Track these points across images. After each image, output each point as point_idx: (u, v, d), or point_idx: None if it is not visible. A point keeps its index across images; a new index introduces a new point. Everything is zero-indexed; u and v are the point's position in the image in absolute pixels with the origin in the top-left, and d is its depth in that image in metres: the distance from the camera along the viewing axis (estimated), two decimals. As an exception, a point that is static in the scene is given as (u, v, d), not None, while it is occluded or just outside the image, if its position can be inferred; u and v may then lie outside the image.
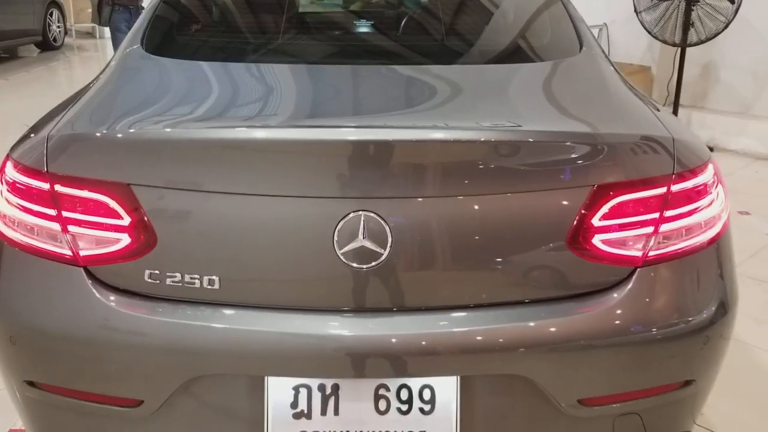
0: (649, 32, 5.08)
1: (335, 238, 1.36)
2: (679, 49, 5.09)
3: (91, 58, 9.95)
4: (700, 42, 4.92)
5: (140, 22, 2.03)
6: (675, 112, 5.25)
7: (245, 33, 2.14)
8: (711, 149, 5.22)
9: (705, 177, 1.52)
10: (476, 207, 1.40)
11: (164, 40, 1.97)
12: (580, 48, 1.91)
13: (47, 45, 9.69)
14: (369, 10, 2.40)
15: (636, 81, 5.65)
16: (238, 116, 1.59)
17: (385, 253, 1.37)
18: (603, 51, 1.97)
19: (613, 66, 1.90)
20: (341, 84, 1.78)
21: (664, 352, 1.47)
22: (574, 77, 1.82)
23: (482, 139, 1.40)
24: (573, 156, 1.42)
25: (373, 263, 1.37)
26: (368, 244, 1.36)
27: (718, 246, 1.55)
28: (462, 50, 2.07)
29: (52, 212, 1.43)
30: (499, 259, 1.41)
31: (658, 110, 1.71)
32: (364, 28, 2.22)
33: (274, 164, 1.38)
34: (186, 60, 1.87)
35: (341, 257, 1.37)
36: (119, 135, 1.45)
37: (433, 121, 1.53)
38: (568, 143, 1.43)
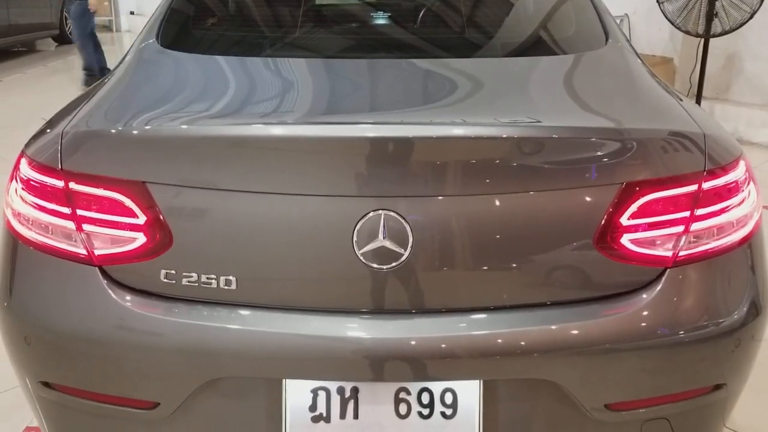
0: (672, 23, 4.98)
1: (354, 238, 1.33)
2: (702, 39, 4.98)
3: (108, 52, 9.92)
4: (724, 32, 4.81)
5: (156, 15, 2.00)
6: (698, 104, 5.14)
7: (261, 27, 2.10)
8: (734, 142, 5.15)
9: (737, 174, 1.47)
10: (500, 206, 1.35)
11: (180, 34, 1.94)
12: (606, 40, 1.85)
13: (64, 38, 9.73)
14: (386, 2, 2.35)
15: (658, 73, 5.50)
16: (255, 113, 1.55)
17: (406, 254, 1.33)
18: (629, 42, 1.91)
19: (640, 58, 1.84)
20: (359, 79, 1.74)
21: (695, 355, 1.42)
22: (600, 70, 1.77)
23: (506, 136, 1.36)
24: (600, 153, 1.37)
25: (394, 264, 1.33)
26: (388, 244, 1.33)
27: (750, 245, 1.50)
28: (483, 43, 2.01)
29: (67, 210, 1.41)
30: (524, 260, 1.37)
31: (688, 105, 1.66)
32: (381, 20, 2.17)
33: (292, 162, 1.35)
34: (202, 54, 1.84)
35: (360, 257, 1.33)
36: (135, 132, 1.43)
37: (455, 117, 1.49)
38: (595, 139, 1.38)
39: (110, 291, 1.40)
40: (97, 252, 1.41)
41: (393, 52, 1.95)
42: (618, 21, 5.67)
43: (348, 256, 1.33)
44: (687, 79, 5.42)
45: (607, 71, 1.76)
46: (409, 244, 1.33)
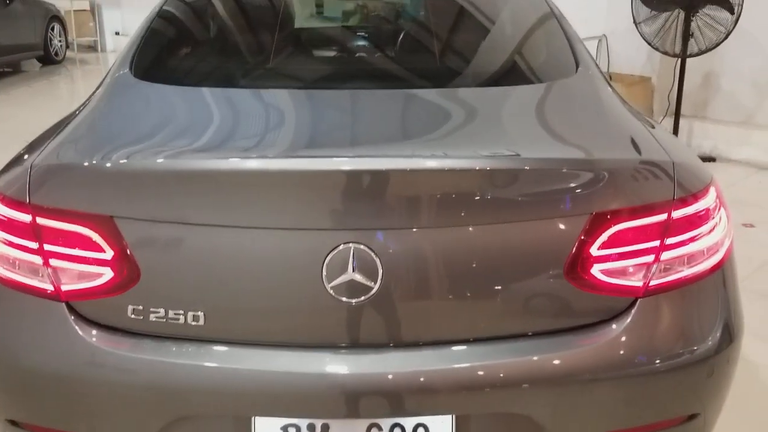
0: (649, 43, 5.03)
1: (324, 271, 1.32)
2: (680, 59, 5.04)
3: (93, 72, 9.93)
4: (701, 52, 4.87)
5: (130, 45, 1.99)
6: (676, 123, 5.20)
7: (235, 57, 2.10)
8: (713, 159, 5.21)
9: (707, 201, 1.48)
10: (469, 238, 1.35)
11: (154, 64, 1.94)
12: (576, 68, 1.86)
13: (49, 59, 9.69)
14: (362, 32, 2.37)
15: (637, 92, 5.62)
16: (224, 146, 1.54)
17: (376, 287, 1.33)
18: (600, 70, 1.92)
19: (610, 86, 1.85)
20: (331, 111, 1.74)
21: (667, 385, 1.42)
22: (569, 99, 1.78)
23: (475, 168, 1.36)
24: (570, 183, 1.38)
25: (363, 297, 1.33)
26: (358, 278, 1.32)
27: (722, 272, 1.50)
28: (455, 73, 2.02)
29: (34, 245, 1.40)
30: (494, 292, 1.37)
31: (657, 132, 1.67)
32: (356, 51, 2.18)
33: (259, 195, 1.34)
34: (174, 86, 1.83)
35: (330, 291, 1.32)
36: (101, 166, 1.42)
37: (425, 149, 1.49)
38: (563, 170, 1.39)
39: (77, 327, 1.38)
40: (64, 287, 1.39)
41: (367, 82, 1.96)
42: (596, 41, 5.73)
43: (318, 289, 1.32)
44: (665, 97, 5.47)
45: (576, 100, 1.77)
46: (379, 277, 1.33)
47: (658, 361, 1.40)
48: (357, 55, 2.15)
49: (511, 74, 1.98)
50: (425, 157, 1.41)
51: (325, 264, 1.32)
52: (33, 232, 1.39)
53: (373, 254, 1.32)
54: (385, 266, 1.32)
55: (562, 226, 1.37)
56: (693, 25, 4.82)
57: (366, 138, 1.57)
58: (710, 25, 4.76)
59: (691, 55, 4.92)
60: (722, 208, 1.54)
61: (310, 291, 1.33)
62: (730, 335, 1.49)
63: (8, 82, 8.63)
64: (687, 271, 1.45)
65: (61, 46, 10.03)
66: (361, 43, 2.22)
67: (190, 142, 1.54)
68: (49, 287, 1.40)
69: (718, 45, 4.78)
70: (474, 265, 1.35)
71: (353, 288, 1.32)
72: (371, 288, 1.33)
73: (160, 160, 1.42)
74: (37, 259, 1.40)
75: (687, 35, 4.85)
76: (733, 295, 1.54)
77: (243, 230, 1.34)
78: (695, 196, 1.46)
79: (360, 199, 1.33)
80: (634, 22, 5.02)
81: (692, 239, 1.45)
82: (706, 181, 1.50)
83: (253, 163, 1.40)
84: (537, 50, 2.06)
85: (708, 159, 5.25)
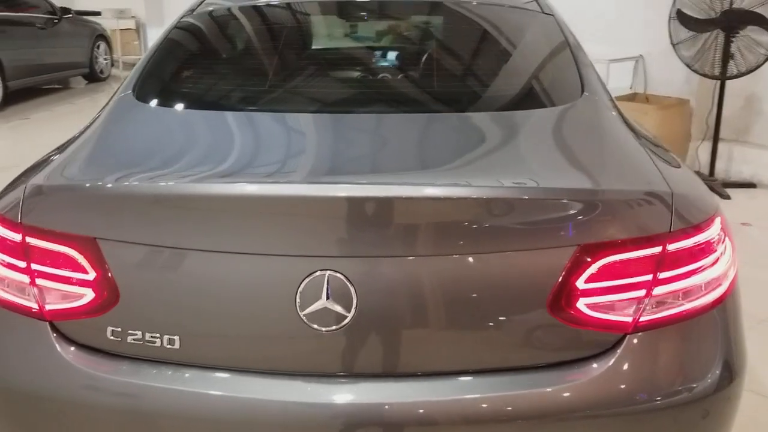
0: (688, 65, 4.91)
1: (298, 299, 1.30)
2: (719, 81, 4.90)
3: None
4: (741, 74, 4.72)
5: (136, 67, 2.02)
6: (714, 147, 5.05)
7: (233, 81, 2.11)
8: (754, 185, 5.02)
9: (708, 233, 1.41)
10: (448, 268, 1.31)
11: (155, 87, 1.95)
12: (582, 93, 1.80)
13: (94, 77, 10.02)
14: (368, 56, 2.36)
15: (674, 114, 5.46)
16: (205, 171, 1.53)
17: (350, 316, 1.30)
18: (609, 95, 1.85)
19: (616, 110, 1.79)
20: (316, 136, 1.72)
21: (659, 425, 1.35)
22: (569, 126, 1.72)
23: (456, 197, 1.32)
24: (558, 214, 1.33)
25: (335, 327, 1.30)
26: (332, 306, 1.29)
27: (723, 308, 1.43)
28: (456, 98, 1.95)
29: (23, 264, 1.42)
30: (473, 325, 1.32)
31: (662, 162, 1.60)
32: (357, 74, 2.17)
33: (237, 221, 1.33)
34: (172, 108, 1.85)
35: (304, 319, 1.30)
36: (84, 188, 1.44)
37: (404, 177, 1.45)
38: (553, 200, 1.34)
39: (59, 347, 1.39)
40: (48, 307, 1.41)
41: (359, 106, 1.94)
42: (633, 62, 5.61)
43: (291, 317, 1.30)
44: (704, 120, 5.31)
45: (576, 127, 1.71)
46: (353, 306, 1.30)
47: (647, 401, 1.33)
48: (356, 78, 2.13)
49: (511, 100, 1.92)
50: (402, 185, 1.38)
51: (299, 291, 1.30)
52: (22, 251, 1.41)
53: (347, 282, 1.30)
54: (360, 295, 1.30)
55: (546, 258, 1.32)
56: (733, 46, 4.69)
57: (346, 164, 1.54)
58: (750, 47, 4.63)
59: (730, 77, 4.78)
60: (727, 239, 1.47)
61: (284, 318, 1.31)
62: (730, 374, 1.40)
63: (53, 98, 8.92)
64: (683, 307, 1.37)
65: (106, 63, 10.36)
66: (365, 66, 2.21)
67: (175, 166, 1.55)
68: (35, 306, 1.41)
69: (758, 67, 4.64)
70: (453, 297, 1.31)
71: (327, 316, 1.30)
72: (345, 317, 1.30)
73: (139, 184, 1.43)
74: (25, 278, 1.42)
75: (727, 57, 4.72)
76: (736, 330, 1.46)
77: (220, 255, 1.33)
78: (697, 228, 1.39)
79: (338, 226, 1.30)
80: (672, 43, 4.91)
81: (691, 273, 1.38)
82: (709, 213, 1.43)
83: (230, 189, 1.39)
84: (542, 75, 2.00)
85: (748, 185, 5.07)
